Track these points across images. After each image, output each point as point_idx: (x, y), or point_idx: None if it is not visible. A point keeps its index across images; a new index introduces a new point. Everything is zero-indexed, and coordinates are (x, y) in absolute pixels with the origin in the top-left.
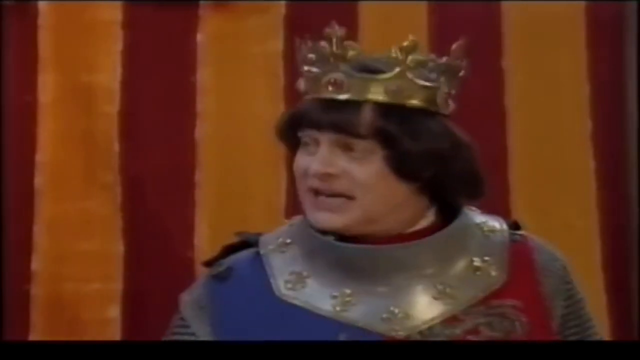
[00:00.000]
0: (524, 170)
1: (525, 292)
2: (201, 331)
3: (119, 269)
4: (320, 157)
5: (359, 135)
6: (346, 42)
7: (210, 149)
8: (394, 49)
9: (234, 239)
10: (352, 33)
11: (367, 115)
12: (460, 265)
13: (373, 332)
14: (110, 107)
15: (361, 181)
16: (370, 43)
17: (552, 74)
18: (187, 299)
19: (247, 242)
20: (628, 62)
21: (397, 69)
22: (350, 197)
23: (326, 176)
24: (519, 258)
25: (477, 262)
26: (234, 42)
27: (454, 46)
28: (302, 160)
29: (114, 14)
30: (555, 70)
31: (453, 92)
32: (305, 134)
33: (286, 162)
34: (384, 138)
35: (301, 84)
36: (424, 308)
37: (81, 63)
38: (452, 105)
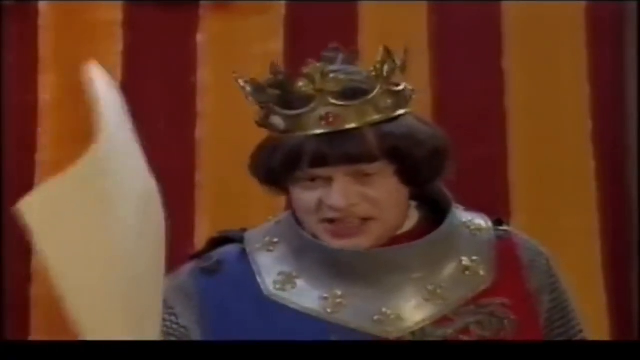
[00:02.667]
0: (524, 171)
1: (512, 289)
2: (185, 316)
3: None
4: (338, 191)
5: (373, 159)
6: (329, 77)
7: (210, 149)
8: (373, 66)
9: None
10: (352, 33)
11: (371, 138)
12: (450, 266)
13: (365, 334)
14: None
15: (380, 201)
16: (370, 43)
17: (552, 74)
18: (170, 284)
19: (230, 238)
20: (628, 62)
21: (379, 85)
22: (371, 219)
23: (348, 207)
24: (505, 255)
25: (465, 261)
26: (234, 42)
27: (379, 52)
28: (309, 195)
29: (114, 14)
30: (555, 70)
31: None
32: (310, 173)
33: None
34: (394, 154)
35: (275, 121)
36: (415, 309)
37: (81, 63)
38: None
